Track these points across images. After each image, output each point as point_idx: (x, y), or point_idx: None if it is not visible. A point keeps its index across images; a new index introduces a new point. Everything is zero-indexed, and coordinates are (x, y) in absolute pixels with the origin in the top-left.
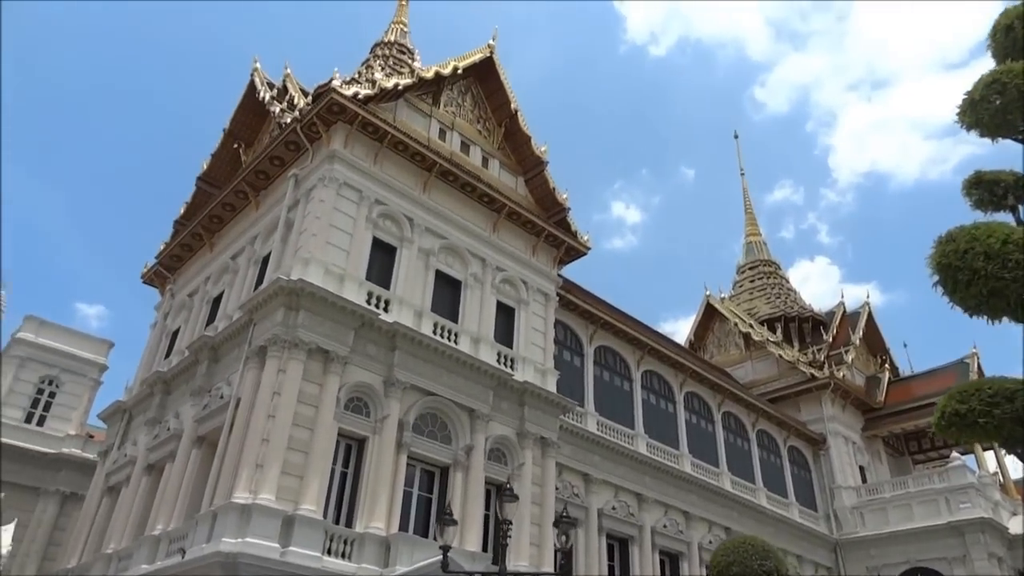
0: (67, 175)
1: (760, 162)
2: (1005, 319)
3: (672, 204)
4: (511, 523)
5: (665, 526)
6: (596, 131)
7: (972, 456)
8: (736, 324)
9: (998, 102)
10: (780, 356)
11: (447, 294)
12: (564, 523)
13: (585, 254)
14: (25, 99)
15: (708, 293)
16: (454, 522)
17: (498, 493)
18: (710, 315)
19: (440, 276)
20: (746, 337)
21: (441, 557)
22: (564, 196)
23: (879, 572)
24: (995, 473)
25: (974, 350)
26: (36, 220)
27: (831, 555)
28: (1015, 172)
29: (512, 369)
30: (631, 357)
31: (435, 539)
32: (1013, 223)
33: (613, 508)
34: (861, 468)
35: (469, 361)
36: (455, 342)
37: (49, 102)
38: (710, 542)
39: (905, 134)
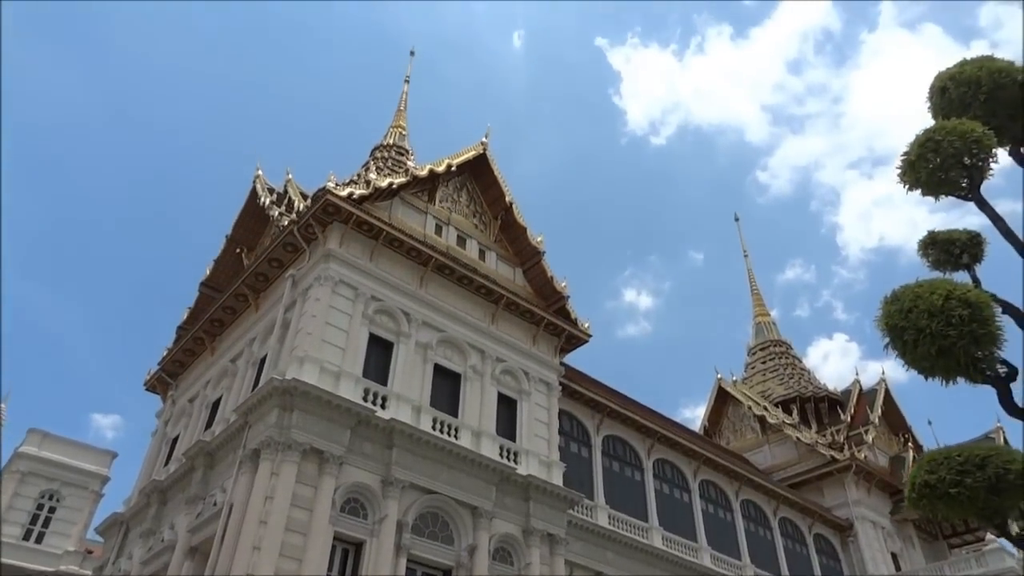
0: (84, 287)
1: (768, 243)
2: (961, 379)
3: (683, 289)
4: None
5: None
6: (603, 220)
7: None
8: (750, 407)
9: (935, 161)
10: (798, 439)
11: (446, 388)
12: None
13: (586, 341)
14: (41, 216)
15: (719, 376)
16: None
17: None
18: (723, 399)
19: (439, 370)
20: (761, 420)
21: None
22: (563, 284)
23: None
24: None
25: (999, 424)
26: (51, 329)
27: None
28: (968, 231)
29: (515, 463)
30: (641, 445)
31: None
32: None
33: None
34: (893, 555)
35: (470, 456)
36: (455, 437)
37: (60, 218)
38: None
39: (911, 209)
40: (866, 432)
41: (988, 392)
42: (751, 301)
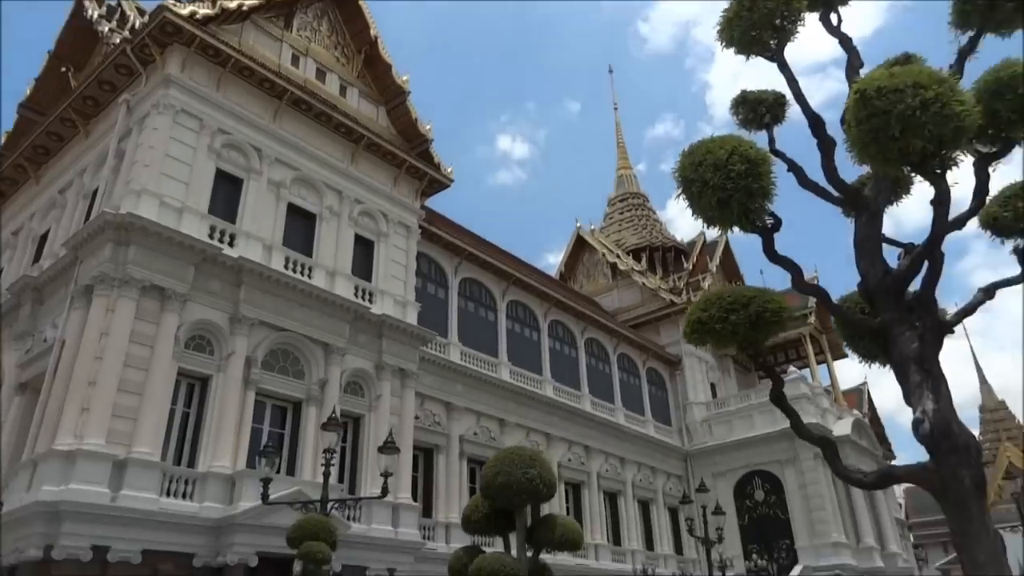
0: None
1: (642, 97)
2: (737, 229)
3: (557, 138)
4: (334, 452)
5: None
6: (481, 66)
7: (807, 369)
8: (604, 255)
9: (750, 19)
10: (643, 284)
11: (300, 227)
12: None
13: (448, 186)
14: None
15: (579, 225)
16: (275, 453)
17: (354, 425)
18: (580, 246)
19: (293, 209)
20: (613, 267)
21: (290, 490)
22: (428, 127)
23: (723, 476)
24: (828, 385)
25: (815, 273)
26: None
27: (682, 464)
28: (776, 92)
29: (370, 302)
30: (496, 288)
31: (288, 474)
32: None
33: (475, 434)
34: (712, 385)
35: (323, 295)
36: (309, 276)
37: None
38: (569, 460)
39: (777, 73)
40: (703, 279)
41: (816, 248)
42: (616, 153)
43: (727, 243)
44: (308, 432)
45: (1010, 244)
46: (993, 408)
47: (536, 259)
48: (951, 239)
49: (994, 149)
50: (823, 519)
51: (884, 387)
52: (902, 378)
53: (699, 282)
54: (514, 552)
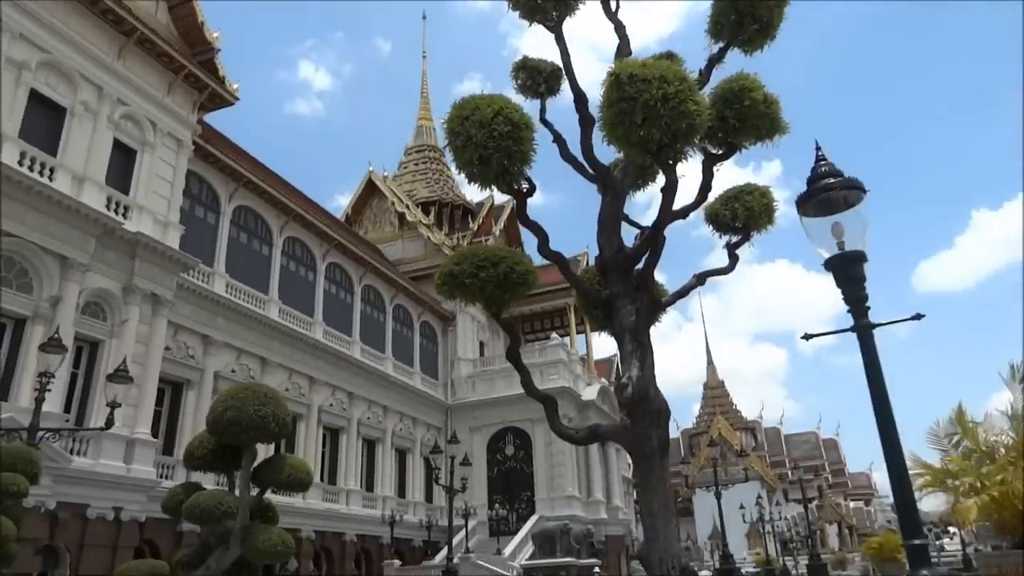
0: None
1: (455, 51)
2: (494, 188)
3: (364, 75)
4: (52, 376)
5: (288, 389)
6: None
7: (568, 338)
8: (393, 203)
9: None
10: (428, 238)
11: (45, 121)
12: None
13: (232, 104)
14: None
15: (371, 169)
16: None
17: (90, 350)
18: (371, 191)
19: (37, 98)
20: (401, 217)
21: None
22: (215, 35)
23: (479, 430)
24: (585, 354)
25: (586, 249)
26: None
27: (443, 416)
28: (555, 64)
29: (125, 218)
30: (275, 222)
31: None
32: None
33: (233, 371)
34: (481, 343)
35: (66, 202)
36: (50, 178)
37: None
38: (331, 405)
39: (584, 52)
40: (486, 240)
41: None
42: (419, 103)
43: (513, 209)
44: (30, 353)
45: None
46: (714, 386)
47: (325, 199)
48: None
49: (721, 151)
50: (562, 474)
51: None
52: (620, 346)
53: (482, 243)
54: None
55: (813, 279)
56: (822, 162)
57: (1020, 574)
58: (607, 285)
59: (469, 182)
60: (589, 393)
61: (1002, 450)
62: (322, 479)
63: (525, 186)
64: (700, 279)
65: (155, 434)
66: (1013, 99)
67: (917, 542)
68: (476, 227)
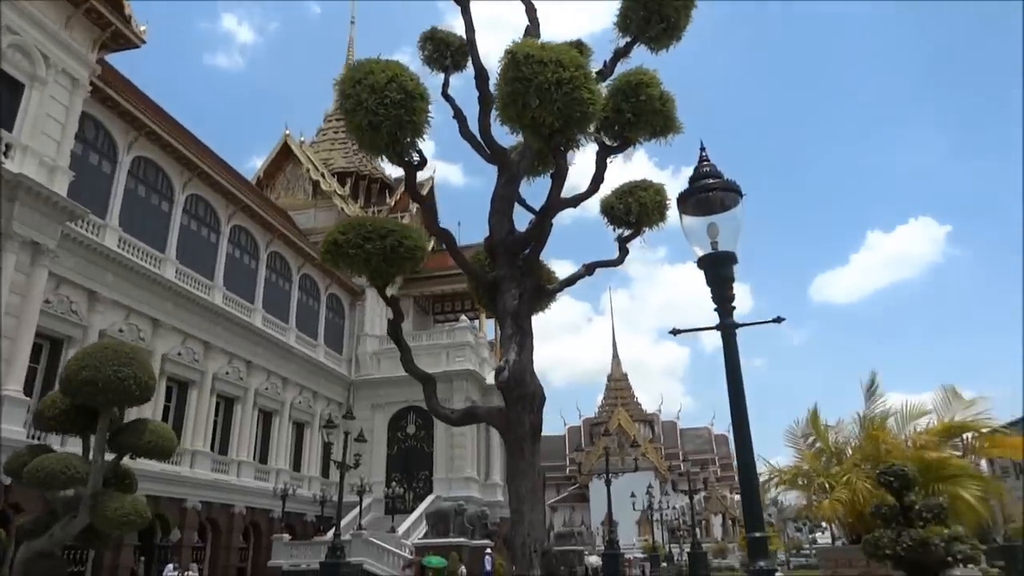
0: None
1: (388, 23)
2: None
3: (290, 35)
4: None
5: (180, 353)
6: None
7: (478, 321)
8: (308, 170)
9: None
10: (342, 209)
11: None
12: None
13: (138, 46)
14: None
15: (287, 133)
16: None
17: None
18: (286, 156)
19: None
20: (315, 185)
21: None
22: None
23: (382, 408)
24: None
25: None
26: None
27: (345, 392)
28: (462, 38)
29: (6, 156)
30: (178, 177)
31: None
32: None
33: (120, 330)
34: (390, 321)
35: None
36: None
37: None
38: (227, 373)
39: (511, 37)
40: (402, 217)
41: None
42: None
43: (432, 187)
44: None
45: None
46: (618, 379)
47: (239, 159)
48: None
49: (616, 144)
50: (462, 456)
51: (546, 349)
52: (501, 329)
53: (398, 219)
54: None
55: None
56: (705, 163)
57: (853, 567)
58: (494, 267)
59: (359, 149)
60: (493, 377)
61: (849, 451)
62: (213, 449)
63: (416, 159)
64: (589, 269)
65: (28, 392)
66: (916, 127)
67: (757, 535)
68: (393, 203)
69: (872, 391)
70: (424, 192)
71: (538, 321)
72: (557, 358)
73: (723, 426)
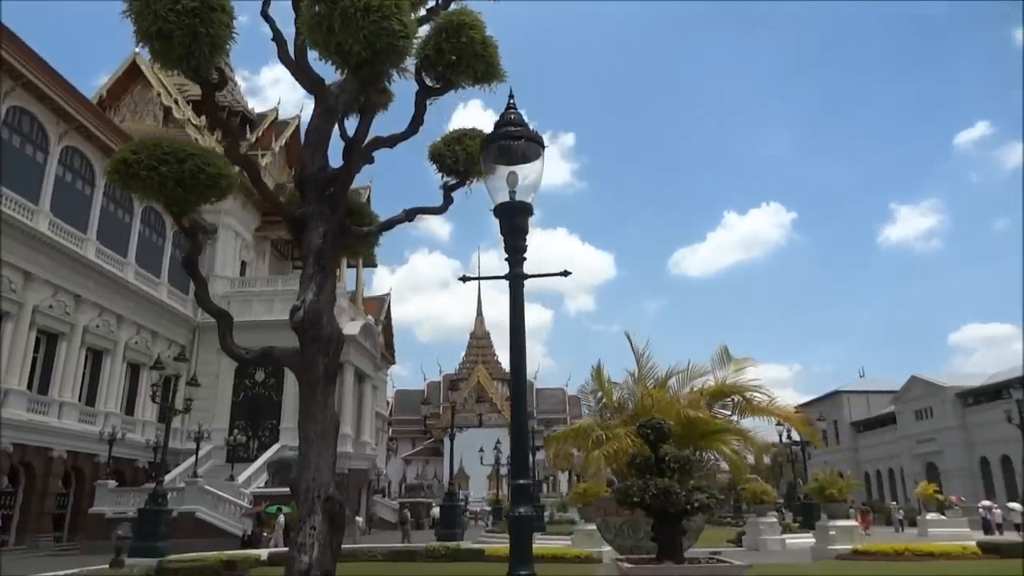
0: None
1: None
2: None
3: None
4: None
5: None
6: None
7: (337, 271)
8: (160, 94)
9: None
10: (196, 140)
11: None
12: None
13: None
14: None
15: (137, 51)
16: None
17: None
18: (134, 76)
19: None
20: (167, 111)
21: None
22: None
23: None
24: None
25: (368, 184)
26: None
27: (190, 334)
28: None
29: None
30: None
31: None
32: None
33: None
34: (244, 263)
35: None
36: None
37: None
38: (51, 307)
39: None
40: (263, 156)
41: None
42: None
43: (298, 126)
44: None
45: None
46: (480, 336)
47: (81, 77)
48: None
49: (438, 85)
50: None
51: (415, 304)
52: (303, 268)
53: (258, 157)
54: None
55: (587, 250)
56: (511, 110)
57: (619, 515)
58: (304, 202)
59: (151, 60)
60: (351, 328)
61: (631, 405)
62: (30, 388)
63: (215, 78)
64: (409, 215)
65: None
66: (773, 119)
67: (522, 482)
68: (255, 139)
69: (641, 354)
70: (289, 132)
71: (410, 276)
72: (425, 313)
73: (575, 387)
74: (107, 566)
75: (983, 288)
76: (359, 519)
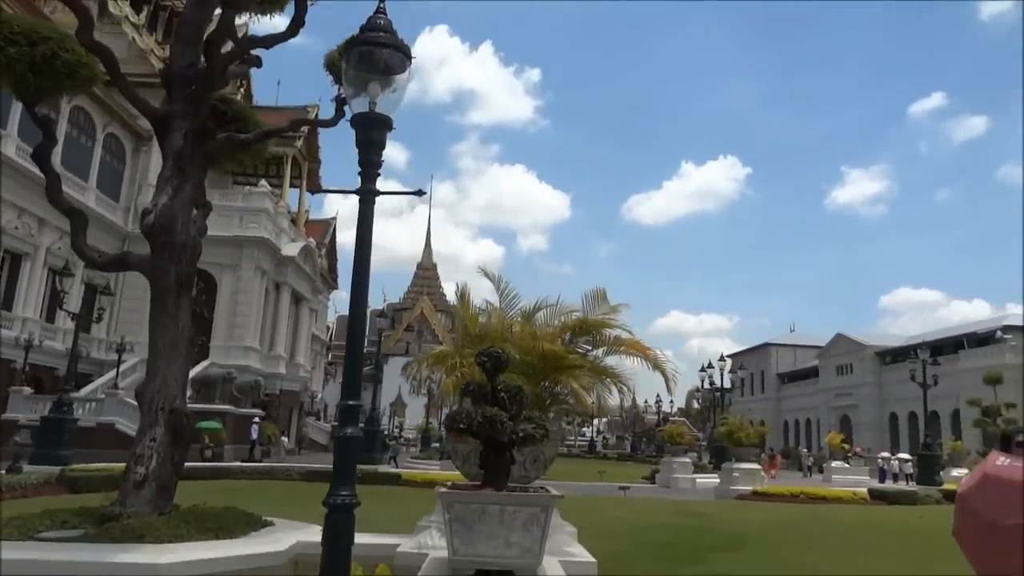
0: None
1: None
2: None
3: None
4: None
5: None
6: None
7: (280, 190)
8: None
9: None
10: (133, 39)
11: None
12: None
13: None
14: None
15: None
16: None
17: None
18: None
19: None
20: (102, 6)
21: None
22: None
23: None
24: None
25: (317, 103)
26: None
27: (119, 244)
28: None
29: None
30: None
31: None
32: None
33: None
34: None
35: None
36: None
37: None
38: None
39: None
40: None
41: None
42: None
43: (247, 32)
44: None
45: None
46: (427, 268)
47: None
48: None
49: None
50: (244, 324)
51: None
52: (162, 169)
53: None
54: None
55: (544, 189)
56: (380, 15)
57: (469, 443)
58: (171, 99)
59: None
60: (290, 249)
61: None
62: None
63: None
64: (294, 125)
65: None
66: (739, 74)
67: (351, 403)
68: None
69: (503, 285)
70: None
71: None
72: (376, 241)
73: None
74: (3, 472)
75: (918, 254)
76: (284, 439)
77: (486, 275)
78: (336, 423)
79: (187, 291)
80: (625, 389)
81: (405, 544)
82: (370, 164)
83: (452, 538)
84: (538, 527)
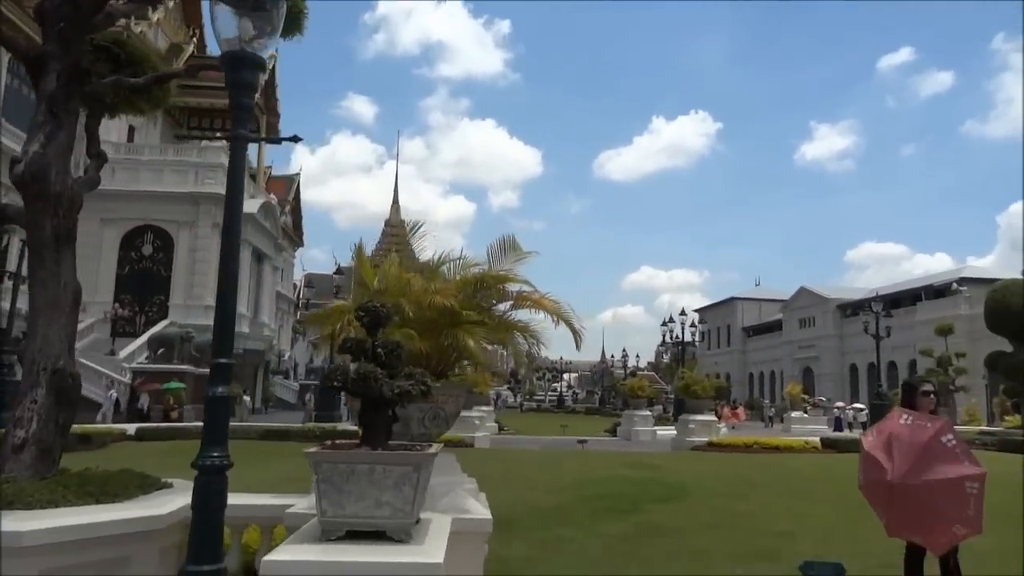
0: None
1: None
2: None
3: None
4: None
5: None
6: None
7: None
8: None
9: None
10: None
11: None
12: None
13: None
14: None
15: None
16: None
17: None
18: None
19: None
20: None
21: None
22: None
23: (114, 223)
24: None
25: (274, 52)
26: None
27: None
28: None
29: None
30: None
31: None
32: None
33: None
34: (132, 128)
35: None
36: None
37: None
38: None
39: None
40: (154, 9)
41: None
42: None
43: None
44: None
45: None
46: (395, 225)
47: None
48: None
49: None
50: (203, 283)
51: (334, 188)
52: (35, 115)
53: (148, 10)
54: None
55: (515, 145)
56: None
57: (355, 401)
58: (44, 39)
59: None
60: (250, 206)
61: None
62: None
63: None
64: (191, 71)
65: None
66: (711, 29)
67: (222, 361)
68: None
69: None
70: None
71: (331, 159)
72: (345, 198)
73: None
74: None
75: (883, 209)
76: (246, 398)
77: (405, 227)
78: (306, 382)
79: (68, 245)
80: (535, 343)
81: (299, 504)
82: (242, 107)
83: (320, 499)
84: (410, 486)
